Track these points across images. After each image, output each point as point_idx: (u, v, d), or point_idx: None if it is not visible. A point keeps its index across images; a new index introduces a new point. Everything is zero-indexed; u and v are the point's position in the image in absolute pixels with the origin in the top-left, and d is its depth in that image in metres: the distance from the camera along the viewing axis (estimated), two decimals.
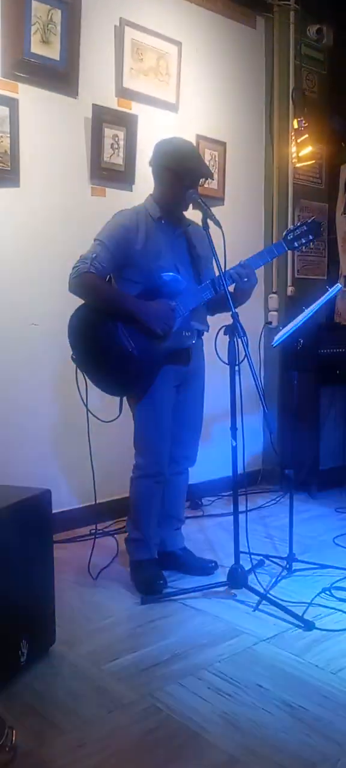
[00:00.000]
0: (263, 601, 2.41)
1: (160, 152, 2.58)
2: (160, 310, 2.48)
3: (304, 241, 2.68)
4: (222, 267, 2.43)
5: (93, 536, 2.85)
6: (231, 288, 2.52)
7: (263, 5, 4.09)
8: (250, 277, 2.56)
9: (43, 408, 3.22)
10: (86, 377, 2.54)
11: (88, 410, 2.57)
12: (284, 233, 2.72)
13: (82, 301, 2.53)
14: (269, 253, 2.70)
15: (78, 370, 2.53)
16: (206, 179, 2.71)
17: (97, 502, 2.76)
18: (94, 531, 2.87)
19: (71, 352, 2.53)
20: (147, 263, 2.52)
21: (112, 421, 2.57)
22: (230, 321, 2.42)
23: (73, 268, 2.51)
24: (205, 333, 2.69)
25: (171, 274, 2.54)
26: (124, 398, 2.64)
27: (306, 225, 2.68)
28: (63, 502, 3.15)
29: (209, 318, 2.72)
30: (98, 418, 2.59)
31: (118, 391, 2.59)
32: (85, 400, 2.56)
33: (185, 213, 2.67)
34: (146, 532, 2.65)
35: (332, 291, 2.79)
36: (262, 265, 2.69)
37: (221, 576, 2.64)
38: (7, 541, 1.90)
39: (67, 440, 3.22)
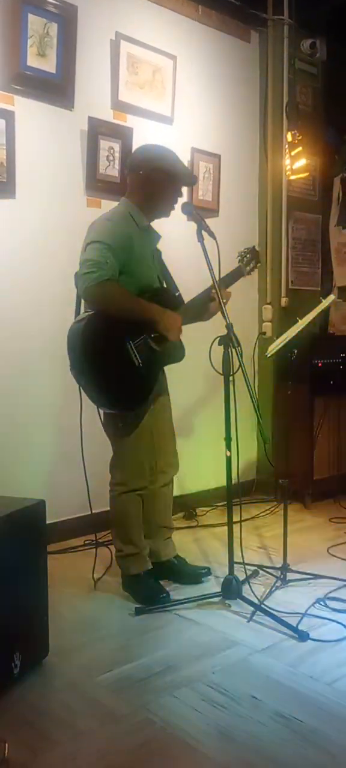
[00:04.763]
0: (258, 612, 2.40)
1: (149, 155, 2.55)
2: (175, 320, 2.46)
3: (252, 266, 2.72)
4: (217, 279, 2.44)
5: (86, 546, 2.85)
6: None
7: (258, 20, 4.13)
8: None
9: (38, 419, 3.21)
10: (83, 389, 2.46)
11: (81, 421, 2.55)
12: (239, 258, 2.70)
13: (84, 310, 2.47)
14: (230, 278, 2.67)
15: (78, 379, 2.46)
16: (191, 186, 2.73)
17: (93, 512, 2.75)
18: (89, 542, 2.86)
19: (69, 364, 2.44)
20: (140, 272, 2.50)
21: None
22: (224, 331, 2.43)
23: (86, 273, 2.32)
24: (196, 342, 2.69)
25: (162, 284, 2.55)
26: (100, 414, 2.56)
27: (250, 252, 2.72)
28: (57, 512, 3.14)
29: (202, 325, 2.71)
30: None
31: (116, 404, 2.49)
32: (81, 412, 2.49)
33: (172, 223, 2.66)
34: (139, 545, 2.63)
35: (325, 302, 2.81)
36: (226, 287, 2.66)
37: (215, 586, 2.64)
38: (1, 552, 1.90)
39: (62, 450, 3.21)
